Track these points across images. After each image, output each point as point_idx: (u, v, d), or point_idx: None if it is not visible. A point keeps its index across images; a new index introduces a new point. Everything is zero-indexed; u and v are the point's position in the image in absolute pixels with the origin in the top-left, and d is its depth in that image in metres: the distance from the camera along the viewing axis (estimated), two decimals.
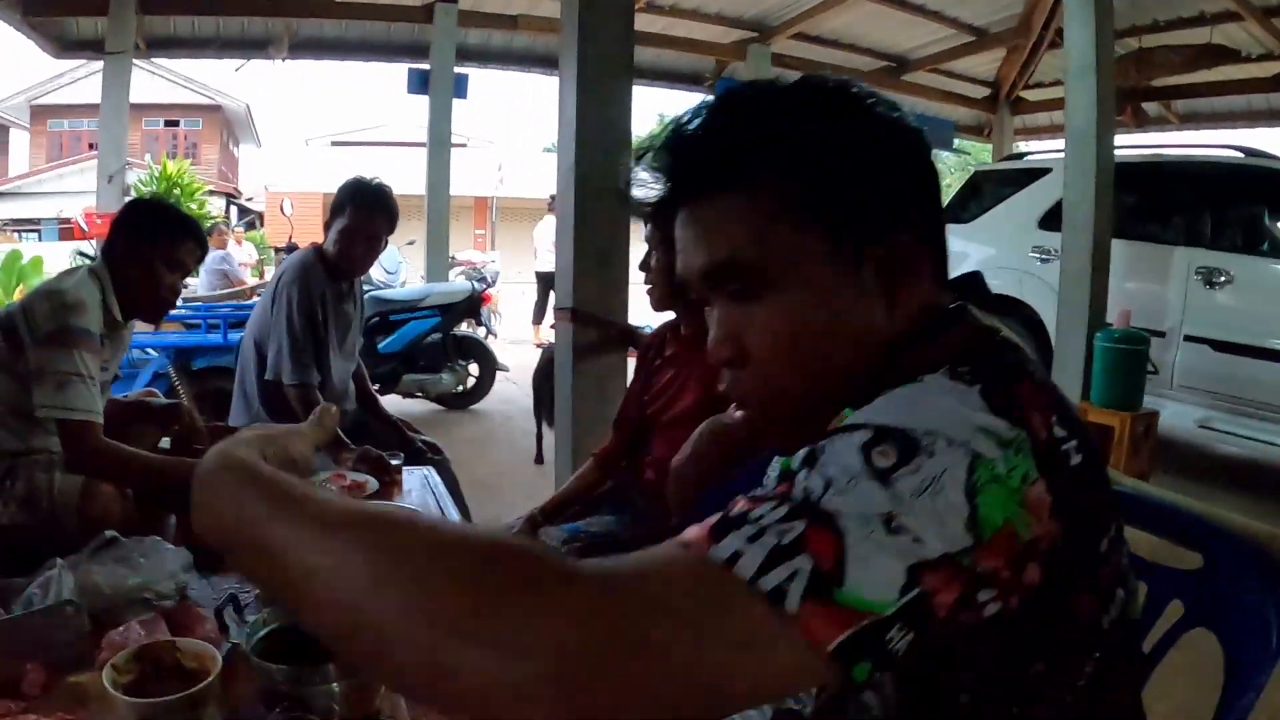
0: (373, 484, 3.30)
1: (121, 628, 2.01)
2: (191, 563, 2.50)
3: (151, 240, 3.26)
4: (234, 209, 33.18)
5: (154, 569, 2.39)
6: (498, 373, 10.44)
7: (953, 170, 32.98)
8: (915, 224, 1.16)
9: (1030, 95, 14.76)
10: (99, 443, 3.00)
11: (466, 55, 13.10)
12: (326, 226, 4.27)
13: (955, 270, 1.26)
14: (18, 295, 11.53)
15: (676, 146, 1.18)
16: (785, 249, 1.12)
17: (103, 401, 3.10)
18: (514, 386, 10.82)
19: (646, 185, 1.22)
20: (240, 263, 14.55)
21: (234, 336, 7.54)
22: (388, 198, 4.28)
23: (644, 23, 7.51)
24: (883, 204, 1.13)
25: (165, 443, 3.62)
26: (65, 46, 12.77)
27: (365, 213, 4.19)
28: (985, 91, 14.91)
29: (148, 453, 3.27)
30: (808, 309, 1.13)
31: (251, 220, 30.61)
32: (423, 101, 12.91)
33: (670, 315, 3.22)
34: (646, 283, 3.10)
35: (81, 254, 10.75)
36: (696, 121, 1.17)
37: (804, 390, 1.18)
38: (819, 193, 1.11)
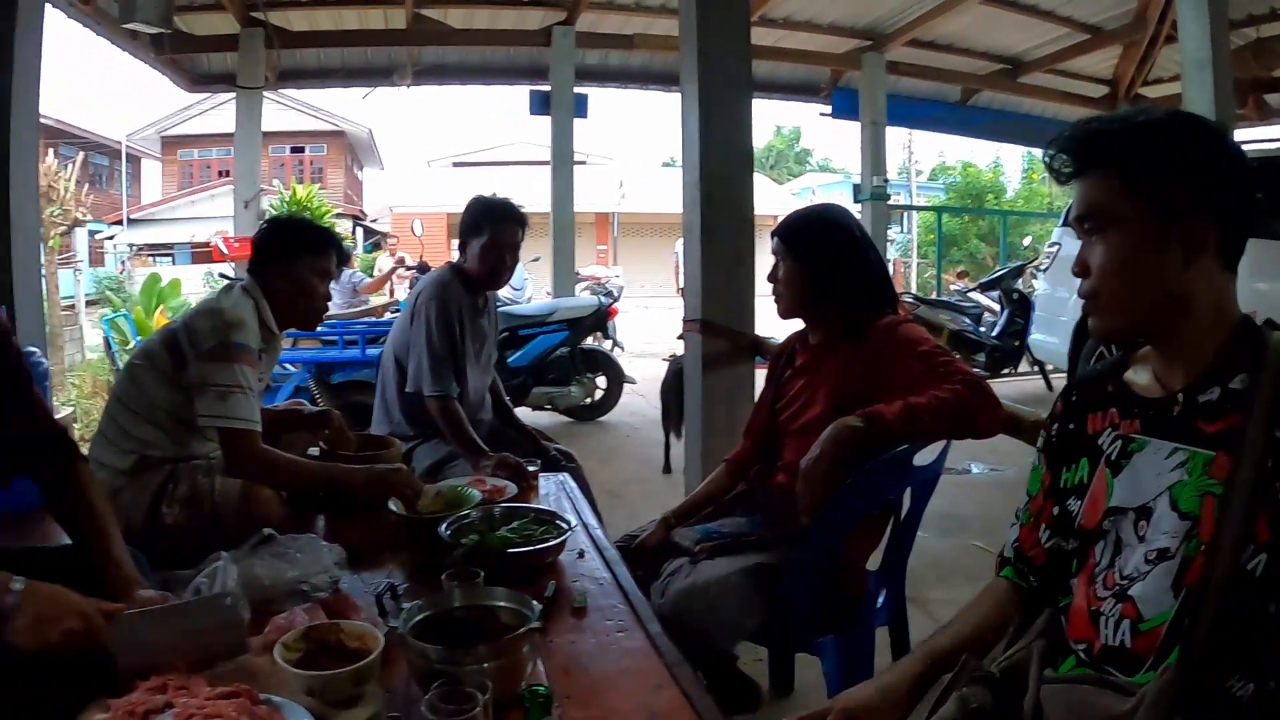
0: (511, 488, 3.46)
1: (285, 613, 2.17)
2: (344, 558, 2.67)
3: (298, 254, 3.48)
4: (359, 230, 33.82)
5: (310, 563, 2.56)
6: (625, 385, 10.55)
7: None
8: (1214, 217, 1.62)
9: (1149, 92, 14.31)
10: (258, 449, 3.21)
11: (585, 75, 13.29)
12: (462, 246, 4.45)
13: None
14: (158, 315, 11.94)
15: (1077, 137, 1.72)
16: (1118, 211, 1.66)
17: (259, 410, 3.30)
18: (641, 398, 10.92)
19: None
20: (379, 269, 14.92)
21: (371, 352, 7.83)
22: (519, 209, 4.48)
23: (758, 36, 7.63)
24: (1188, 198, 1.61)
25: (313, 450, 3.82)
26: (197, 81, 13.31)
27: (505, 225, 4.38)
28: (1103, 90, 14.55)
29: (301, 458, 3.50)
30: (1125, 245, 1.66)
31: (377, 240, 31.14)
32: (542, 121, 13.13)
33: (798, 324, 3.29)
34: (774, 293, 3.17)
35: (223, 275, 11.12)
36: (1087, 126, 1.72)
37: (1119, 295, 1.69)
38: (1145, 181, 1.63)
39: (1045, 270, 10.35)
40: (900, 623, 3.26)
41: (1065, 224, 9.51)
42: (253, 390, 3.24)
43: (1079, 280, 1.74)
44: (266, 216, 4.17)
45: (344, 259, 3.76)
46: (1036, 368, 11.78)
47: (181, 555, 2.59)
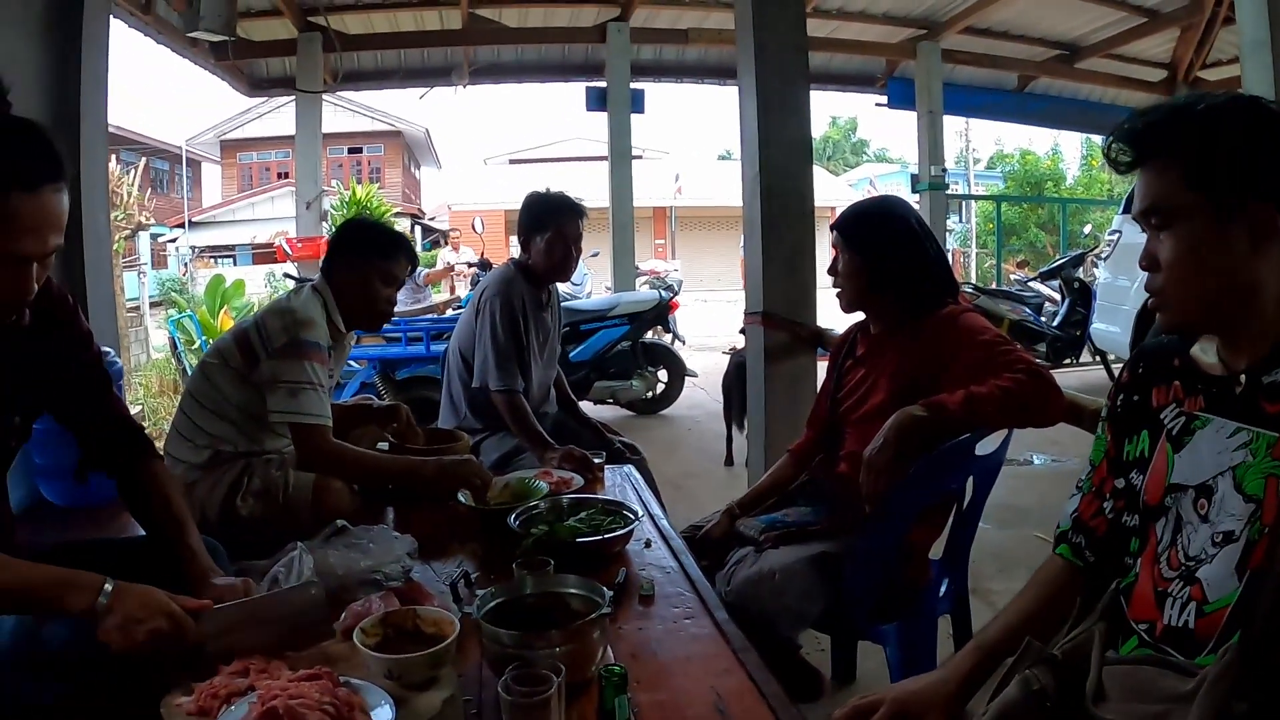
0: (578, 480, 3.52)
1: (361, 601, 2.23)
2: (416, 548, 2.72)
3: (368, 257, 3.54)
4: (418, 229, 34.02)
5: (382, 553, 2.62)
6: (686, 378, 10.59)
7: None
8: (1278, 201, 1.60)
9: (1209, 75, 13.93)
10: (329, 444, 3.29)
11: (640, 70, 13.29)
12: (526, 242, 4.51)
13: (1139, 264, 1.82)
14: (223, 315, 12.08)
15: (1135, 127, 1.70)
16: (1181, 204, 1.64)
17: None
18: (702, 392, 10.95)
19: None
20: (442, 262, 15.04)
21: (435, 348, 7.95)
22: (578, 201, 4.55)
23: (813, 27, 7.61)
24: (1250, 184, 1.60)
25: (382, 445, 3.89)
26: (256, 85, 13.48)
27: (568, 218, 4.45)
28: (1161, 74, 14.20)
29: (371, 451, 3.57)
30: (1191, 240, 1.64)
31: (435, 239, 31.33)
32: (596, 117, 13.16)
33: (860, 316, 3.31)
34: (835, 286, 3.19)
35: (287, 275, 11.26)
36: (1145, 115, 1.71)
37: (1187, 291, 1.68)
38: (1204, 171, 1.62)
39: (1106, 258, 10.26)
40: (962, 611, 3.27)
41: (1126, 211, 9.42)
42: (323, 386, 3.31)
43: (1142, 270, 1.74)
44: (343, 217, 4.25)
45: (414, 265, 3.82)
46: (1098, 357, 11.64)
47: (256, 546, 2.67)
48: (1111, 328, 9.86)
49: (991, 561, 5.02)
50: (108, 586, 1.92)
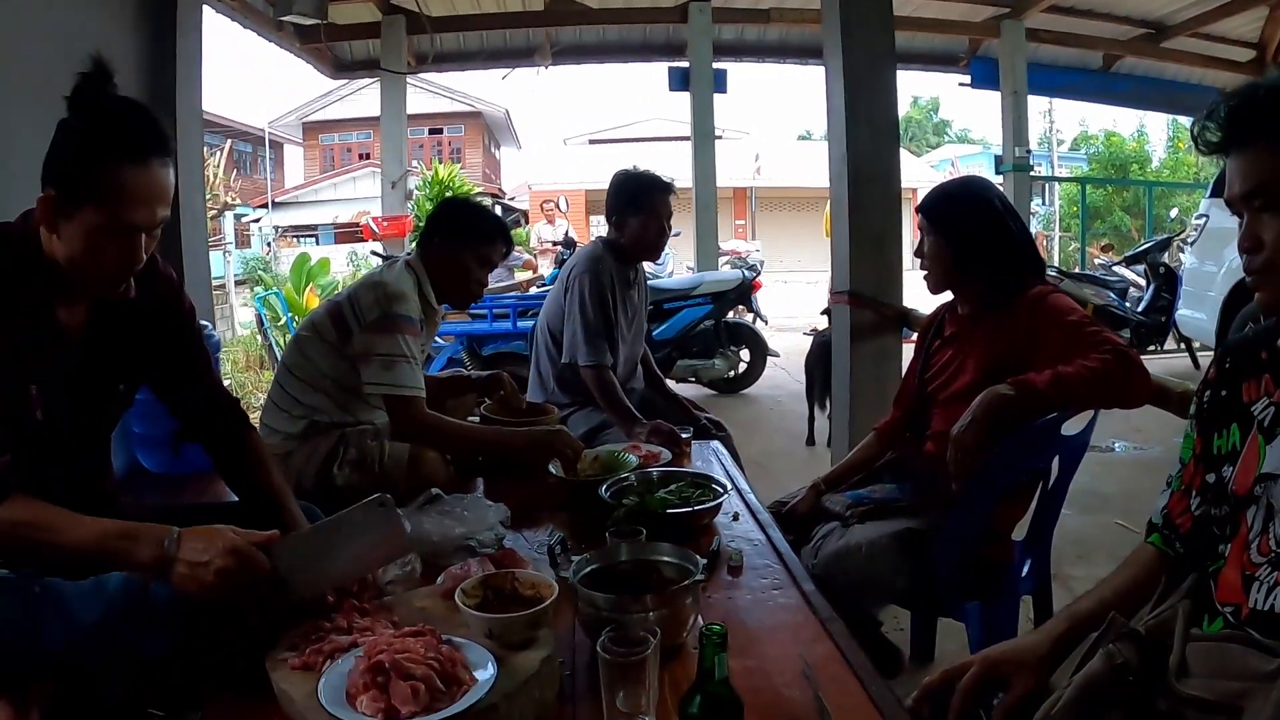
0: (666, 454, 3.56)
1: (459, 565, 2.28)
2: (509, 517, 2.79)
3: (467, 239, 3.62)
4: (498, 208, 34.15)
5: (476, 521, 2.69)
6: (768, 358, 10.59)
7: None
8: None
9: None
10: (423, 414, 3.38)
11: (721, 50, 13.19)
12: (619, 222, 4.55)
13: (1226, 248, 1.69)
14: (308, 293, 12.24)
15: (1232, 108, 1.66)
16: None
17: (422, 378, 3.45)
18: (783, 372, 10.95)
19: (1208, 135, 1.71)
20: (538, 238, 15.13)
21: (522, 324, 8.05)
22: (667, 179, 4.58)
23: (897, 5, 7.55)
24: None
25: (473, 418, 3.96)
26: (340, 68, 13.60)
27: (660, 197, 4.49)
28: (1250, 54, 13.74)
29: (465, 423, 3.66)
30: None
31: (516, 219, 31.49)
32: (674, 97, 13.12)
33: (948, 297, 3.31)
34: (922, 268, 3.20)
35: (374, 253, 11.39)
36: (1243, 95, 1.66)
37: None
38: None
39: (1193, 243, 10.08)
40: (1044, 592, 3.27)
41: (1213, 195, 9.26)
42: (415, 359, 3.40)
43: (1242, 252, 1.72)
44: (427, 197, 4.31)
45: (510, 249, 3.88)
46: (1183, 344, 11.43)
47: None
48: (1197, 314, 9.70)
49: (1072, 547, 5.00)
50: (173, 534, 1.98)
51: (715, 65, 12.72)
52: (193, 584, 1.94)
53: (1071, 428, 3.01)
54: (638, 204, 4.48)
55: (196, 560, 1.95)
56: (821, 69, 6.17)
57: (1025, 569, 3.19)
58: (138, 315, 2.35)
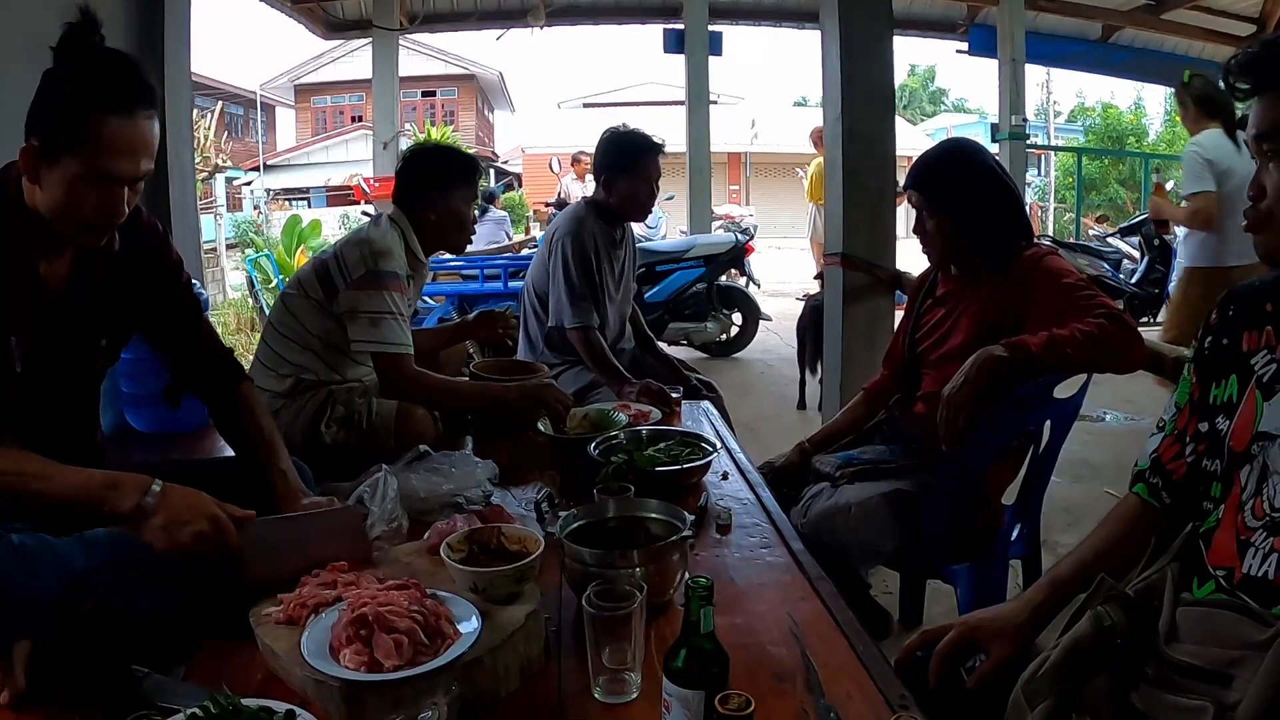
0: (656, 413, 3.57)
1: (446, 520, 2.26)
2: (497, 474, 2.80)
3: (448, 181, 3.60)
4: (492, 171, 34.06)
5: (464, 478, 2.70)
6: (760, 322, 10.59)
7: None
8: None
9: None
10: (411, 371, 3.36)
11: (718, 13, 13.18)
12: (607, 182, 4.50)
13: None
14: (299, 255, 12.22)
15: (1258, 53, 1.65)
16: None
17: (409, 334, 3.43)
18: (775, 336, 10.91)
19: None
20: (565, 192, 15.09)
21: (514, 285, 8.08)
22: (656, 139, 4.53)
23: None
24: None
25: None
26: (332, 28, 13.53)
27: (648, 158, 4.44)
28: (1250, 29, 13.67)
29: (453, 379, 3.67)
30: None
31: (509, 182, 31.42)
32: (671, 61, 13.09)
33: None
34: (924, 245, 3.18)
35: (365, 214, 11.39)
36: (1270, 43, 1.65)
37: None
38: None
39: None
40: (1033, 556, 3.27)
41: None
42: (402, 315, 3.37)
43: (1248, 199, 1.70)
44: (412, 146, 4.30)
45: (491, 188, 3.88)
46: None
47: (340, 472, 2.75)
48: None
49: (1062, 515, 5.00)
50: (155, 487, 2.00)
51: (711, 28, 12.69)
52: (164, 539, 1.96)
53: (1062, 392, 3.00)
54: (626, 165, 4.44)
55: (176, 518, 1.98)
56: (818, 34, 6.12)
57: (1015, 533, 3.19)
58: (122, 268, 2.34)
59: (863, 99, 5.68)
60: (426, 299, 8.35)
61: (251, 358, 3.53)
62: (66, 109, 2.00)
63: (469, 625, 1.74)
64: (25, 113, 2.04)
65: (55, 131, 2.00)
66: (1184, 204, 5.60)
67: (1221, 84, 1.76)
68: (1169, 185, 18.53)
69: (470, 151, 3.93)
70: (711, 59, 12.77)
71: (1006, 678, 1.71)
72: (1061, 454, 3.21)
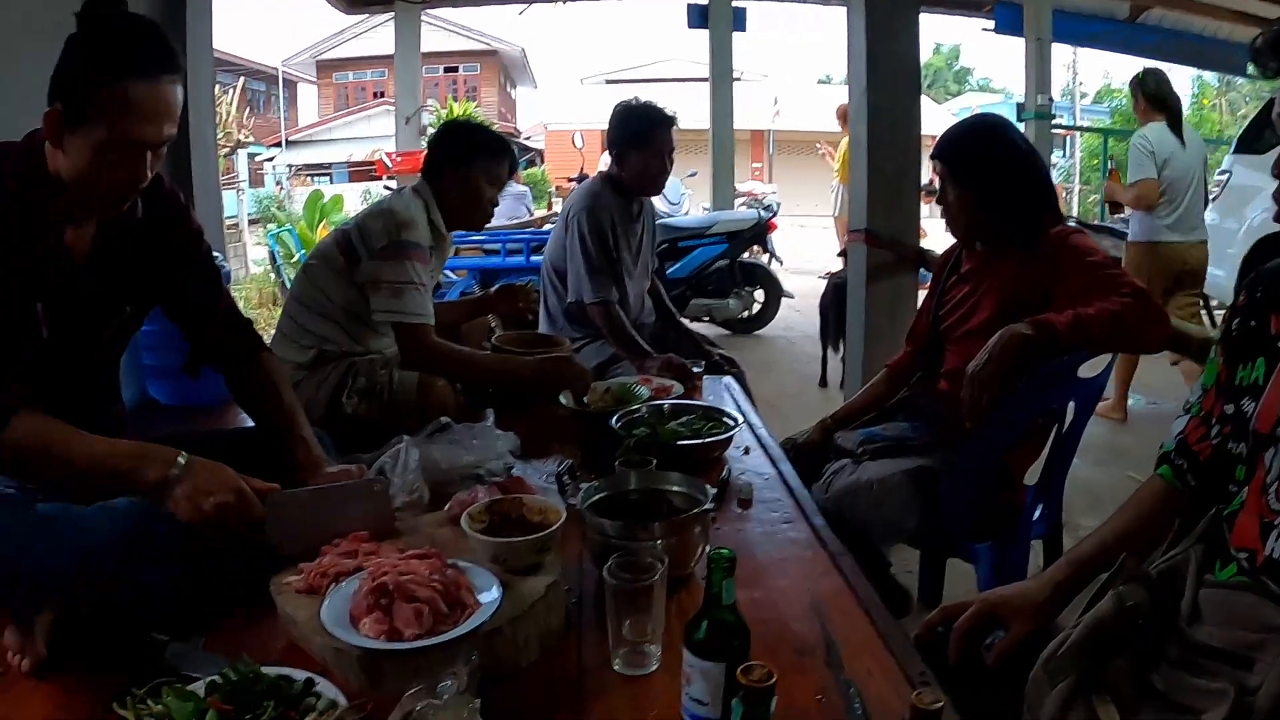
0: (678, 388, 3.55)
1: (467, 491, 2.27)
2: (518, 445, 2.79)
3: (474, 158, 3.59)
4: (514, 147, 34.04)
5: (485, 450, 2.69)
6: (782, 299, 10.56)
7: (1247, 99, 30.08)
8: None
9: None
10: (433, 342, 3.37)
11: None
12: (619, 156, 4.49)
13: (1248, 206, 1.69)
14: (321, 229, 12.25)
15: None
16: None
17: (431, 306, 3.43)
18: (797, 314, 10.89)
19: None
20: None
21: (535, 259, 7.99)
22: (668, 111, 4.49)
23: None
24: None
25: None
26: (354, 3, 13.51)
27: (661, 131, 4.41)
28: (1279, 11, 13.80)
29: (475, 351, 3.66)
30: None
31: (531, 158, 31.33)
32: (694, 37, 13.06)
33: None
34: (946, 218, 3.16)
35: (386, 188, 11.38)
36: None
37: None
38: None
39: (1215, 200, 9.97)
40: (1055, 537, 3.25)
41: (1237, 151, 9.16)
42: (425, 286, 3.38)
43: (1274, 177, 1.68)
44: (441, 122, 4.32)
45: (515, 166, 3.86)
46: (1200, 301, 11.34)
47: (361, 442, 2.75)
48: (1216, 271, 9.49)
49: (1083, 497, 4.98)
50: (181, 459, 2.00)
51: (734, 4, 12.63)
52: (189, 511, 1.96)
53: (1086, 371, 2.98)
54: (638, 139, 4.41)
55: (201, 489, 1.97)
56: (842, 11, 6.10)
57: (1037, 513, 3.17)
58: (145, 236, 2.33)
59: (888, 75, 5.67)
60: (448, 273, 8.36)
61: (274, 331, 3.53)
62: (89, 74, 1.98)
63: (489, 595, 1.74)
64: (47, 81, 2.04)
65: (78, 96, 1.99)
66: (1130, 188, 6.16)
67: (1251, 65, 1.73)
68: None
69: (500, 133, 3.92)
70: (735, 35, 12.72)
71: (1026, 655, 1.70)
72: (1083, 437, 3.19)
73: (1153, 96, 6.32)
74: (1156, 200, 6.18)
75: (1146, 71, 6.42)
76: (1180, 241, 6.33)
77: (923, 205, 6.15)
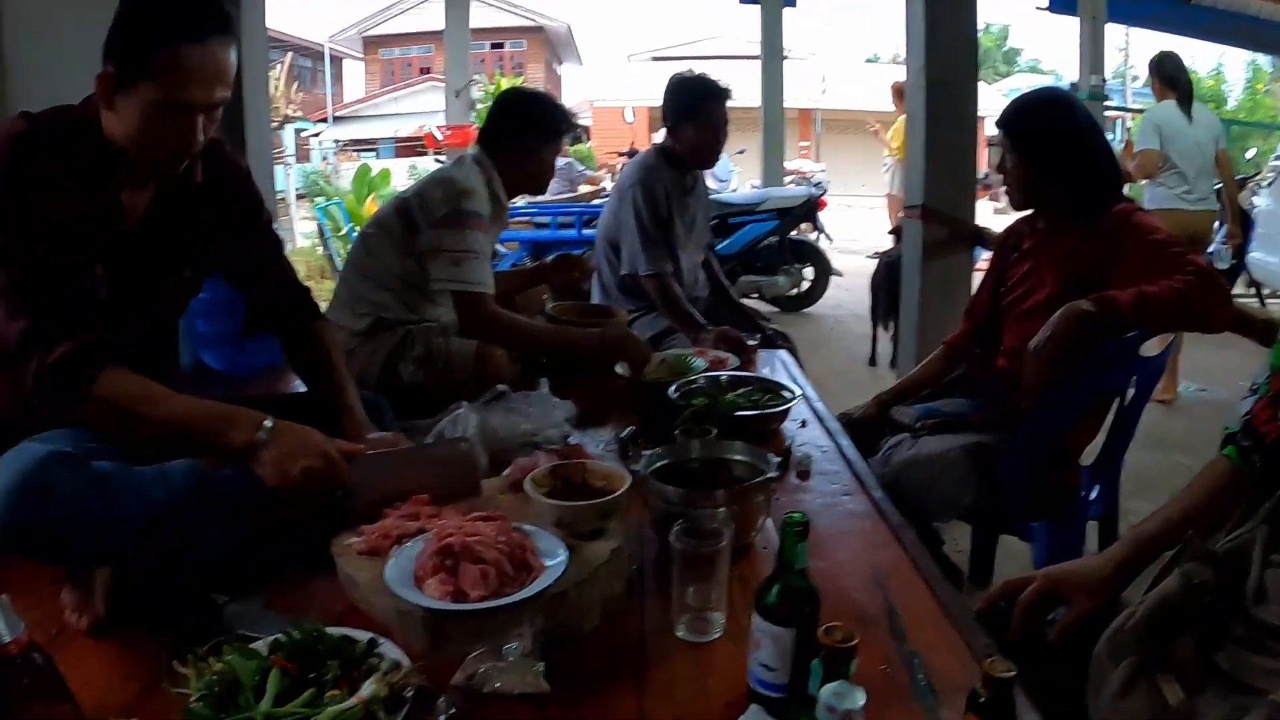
0: (733, 360, 3.54)
1: (528, 456, 2.28)
2: (574, 414, 2.81)
3: (537, 128, 3.59)
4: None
5: (542, 418, 2.70)
6: (831, 277, 10.53)
7: None
8: None
9: None
10: (492, 311, 3.37)
11: None
12: (673, 129, 4.47)
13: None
14: (369, 203, 12.29)
15: None
16: None
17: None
18: (845, 292, 10.84)
19: None
20: None
21: (587, 232, 8.10)
22: (722, 84, 4.47)
23: None
24: None
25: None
26: None
27: (715, 104, 4.39)
28: None
29: (535, 322, 3.67)
30: None
31: (577, 134, 31.35)
32: (742, 14, 13.00)
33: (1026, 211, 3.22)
34: (1004, 184, 3.12)
35: (437, 162, 11.41)
36: None
37: None
38: None
39: (1269, 185, 9.85)
40: (1111, 517, 3.24)
41: None
42: (484, 254, 3.38)
43: None
44: (477, 106, 4.33)
45: (574, 132, 3.88)
46: (1253, 289, 11.19)
47: (418, 410, 2.76)
48: (1270, 258, 9.44)
49: (1132, 481, 4.91)
50: (268, 423, 2.03)
51: None
52: (276, 475, 1.99)
53: (1148, 350, 2.95)
54: (693, 111, 4.38)
55: (288, 453, 2.00)
56: None
57: (1094, 494, 3.15)
58: (204, 200, 2.34)
59: (946, 49, 5.61)
60: (500, 248, 8.39)
61: (330, 299, 3.54)
62: (141, 35, 1.98)
63: (555, 559, 1.74)
64: (99, 46, 2.04)
65: (130, 58, 1.99)
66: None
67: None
68: (1249, 155, 18.21)
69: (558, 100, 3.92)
70: (785, 11, 12.63)
71: (1088, 632, 1.70)
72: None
73: (1166, 77, 6.70)
74: (1155, 170, 6.50)
75: (1164, 54, 6.78)
76: (1189, 210, 6.50)
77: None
